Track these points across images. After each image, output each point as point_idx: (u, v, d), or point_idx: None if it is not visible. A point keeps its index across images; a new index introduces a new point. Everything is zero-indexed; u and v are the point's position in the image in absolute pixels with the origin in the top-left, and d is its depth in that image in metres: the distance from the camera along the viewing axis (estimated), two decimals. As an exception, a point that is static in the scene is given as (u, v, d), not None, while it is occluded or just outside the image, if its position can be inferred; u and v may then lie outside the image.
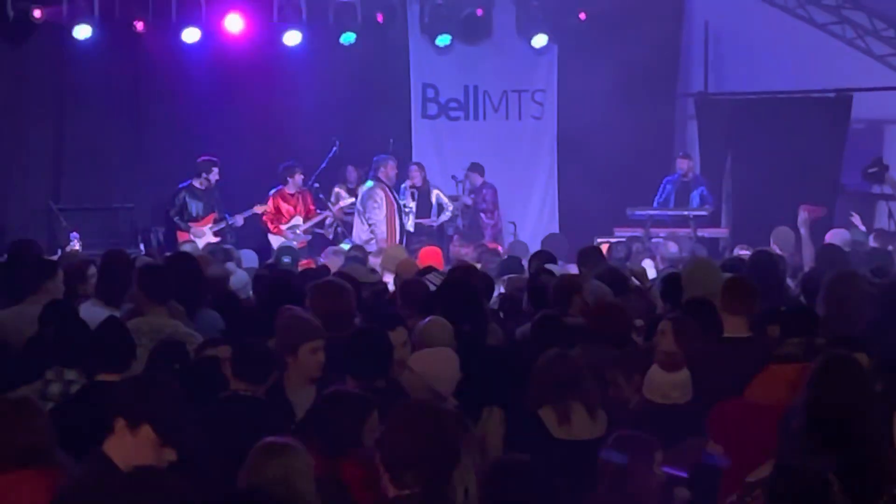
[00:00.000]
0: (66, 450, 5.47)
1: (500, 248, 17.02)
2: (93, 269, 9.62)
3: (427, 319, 7.95)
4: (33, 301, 8.55)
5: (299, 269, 12.94)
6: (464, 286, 8.90)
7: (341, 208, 18.01)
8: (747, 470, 5.51)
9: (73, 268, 9.69)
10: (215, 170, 17.33)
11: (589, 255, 11.06)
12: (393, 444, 4.68)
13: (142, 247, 16.64)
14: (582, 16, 19.72)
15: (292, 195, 17.70)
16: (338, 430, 5.72)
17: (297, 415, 6.63)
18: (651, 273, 13.02)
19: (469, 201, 18.64)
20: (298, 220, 17.69)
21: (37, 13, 16.74)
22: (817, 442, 5.37)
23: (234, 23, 18.02)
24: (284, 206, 17.68)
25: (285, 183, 17.68)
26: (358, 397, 5.95)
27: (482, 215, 18.69)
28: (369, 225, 16.99)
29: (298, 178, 17.67)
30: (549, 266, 10.77)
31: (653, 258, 14.71)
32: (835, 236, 14.32)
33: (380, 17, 18.84)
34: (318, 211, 17.86)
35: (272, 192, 17.71)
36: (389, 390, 6.65)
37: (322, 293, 8.29)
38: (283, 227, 17.58)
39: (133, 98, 18.25)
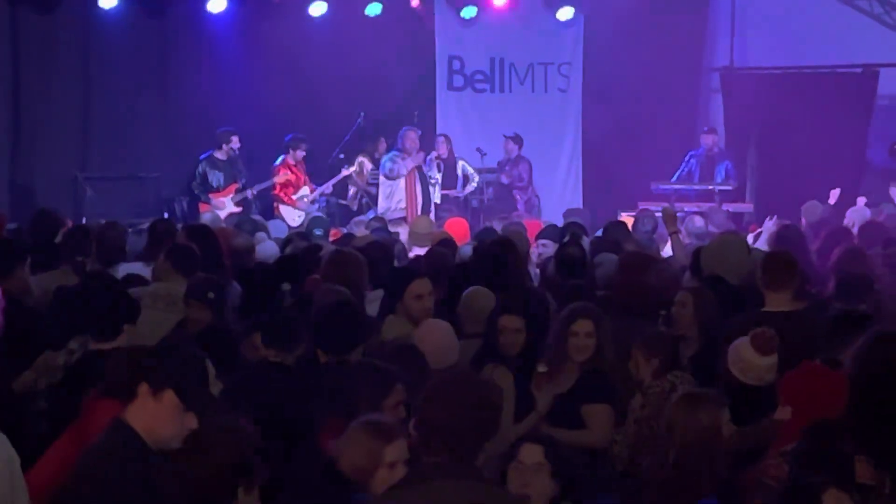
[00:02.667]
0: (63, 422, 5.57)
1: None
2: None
3: (470, 289, 8.03)
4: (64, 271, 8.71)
5: (331, 239, 12.93)
6: (493, 258, 8.94)
7: (365, 178, 18.05)
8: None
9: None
10: (235, 139, 17.33)
11: (615, 230, 11.05)
12: (427, 411, 4.72)
13: (166, 216, 16.69)
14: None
15: (294, 166, 17.69)
16: (355, 400, 5.75)
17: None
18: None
19: (506, 180, 18.60)
20: (305, 190, 17.69)
21: None
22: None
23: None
24: (292, 177, 17.67)
25: (288, 153, 17.65)
26: (382, 371, 5.95)
27: (515, 191, 18.66)
28: (384, 194, 17.13)
29: (300, 153, 17.64)
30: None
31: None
32: (854, 214, 14.28)
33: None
34: (314, 186, 17.82)
35: (278, 162, 17.64)
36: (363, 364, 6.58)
37: (334, 263, 8.37)
38: (294, 197, 17.59)
39: (159, 67, 18.28)
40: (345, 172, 17.86)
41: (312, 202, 17.70)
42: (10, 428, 4.99)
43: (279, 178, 17.46)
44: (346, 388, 5.92)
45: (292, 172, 17.65)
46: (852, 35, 19.75)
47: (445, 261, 9.34)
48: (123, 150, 17.95)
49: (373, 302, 8.33)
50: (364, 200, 17.99)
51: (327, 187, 17.78)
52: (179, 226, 10.97)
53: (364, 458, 4.97)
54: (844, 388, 5.52)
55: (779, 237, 10.60)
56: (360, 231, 13.56)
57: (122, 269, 9.15)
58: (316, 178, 18.01)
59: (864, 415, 5.29)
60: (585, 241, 10.87)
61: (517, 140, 18.81)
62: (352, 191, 18.16)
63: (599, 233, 12.07)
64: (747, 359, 6.70)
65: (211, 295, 7.56)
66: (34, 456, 5.27)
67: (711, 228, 14.38)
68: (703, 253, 9.05)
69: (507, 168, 18.73)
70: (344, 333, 6.81)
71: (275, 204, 17.62)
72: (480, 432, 4.75)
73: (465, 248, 10.91)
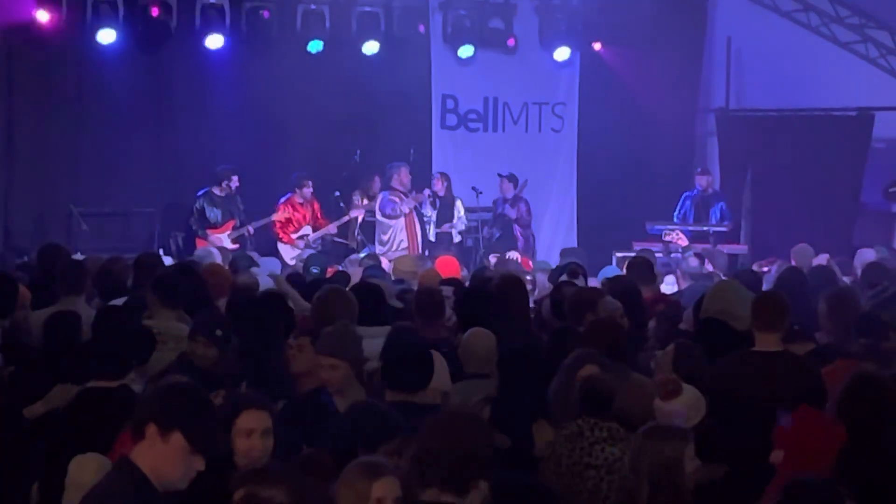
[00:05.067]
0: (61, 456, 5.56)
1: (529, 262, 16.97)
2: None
3: (470, 331, 8.00)
4: (66, 303, 8.67)
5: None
6: (481, 297, 8.92)
7: (358, 216, 18.07)
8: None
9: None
10: (235, 177, 17.37)
11: (639, 268, 10.98)
12: (424, 444, 4.83)
13: (161, 252, 16.65)
14: (597, 45, 19.73)
15: (301, 204, 17.71)
16: (357, 443, 5.70)
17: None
18: (672, 288, 13.02)
19: (513, 215, 18.62)
20: (308, 229, 17.70)
21: (43, 18, 16.78)
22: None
23: (257, 29, 18.00)
24: (295, 215, 17.69)
25: (295, 192, 17.69)
26: (385, 416, 5.92)
27: (516, 227, 18.68)
28: (384, 233, 17.17)
29: (307, 190, 17.67)
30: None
31: (673, 273, 14.66)
32: (860, 255, 14.30)
33: (422, 28, 18.86)
34: (327, 222, 17.85)
35: (282, 200, 17.72)
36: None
37: (323, 303, 8.35)
38: (293, 235, 17.59)
39: (155, 103, 18.27)
40: (353, 214, 17.85)
41: (314, 241, 17.70)
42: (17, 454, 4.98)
43: (277, 216, 17.47)
44: (345, 429, 5.88)
45: (296, 210, 17.68)
46: (848, 78, 19.86)
47: (436, 300, 9.30)
48: (118, 185, 17.90)
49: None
50: (360, 238, 17.97)
51: (332, 228, 17.77)
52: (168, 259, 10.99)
53: (352, 496, 4.93)
54: (838, 433, 5.54)
55: (780, 280, 10.60)
56: (355, 269, 13.52)
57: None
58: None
59: (850, 456, 5.31)
60: (582, 281, 10.85)
61: (512, 179, 18.82)
62: (333, 230, 18.12)
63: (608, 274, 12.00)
64: (658, 409, 6.67)
65: (219, 332, 7.51)
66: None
67: (711, 269, 14.39)
68: (706, 297, 9.02)
69: (509, 203, 18.71)
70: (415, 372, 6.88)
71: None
72: (475, 467, 4.85)
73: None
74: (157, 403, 4.65)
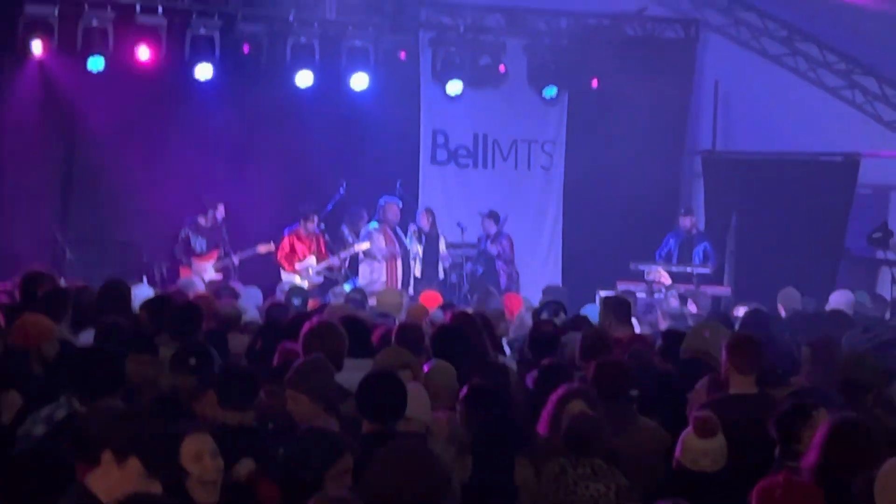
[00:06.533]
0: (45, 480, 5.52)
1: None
2: None
3: (431, 363, 8.01)
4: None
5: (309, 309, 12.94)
6: (457, 332, 8.96)
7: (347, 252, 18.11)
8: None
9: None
10: (221, 207, 17.44)
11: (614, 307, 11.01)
12: (374, 476, 4.80)
13: (145, 280, 16.66)
14: (594, 83, 19.82)
15: (307, 236, 17.78)
16: (301, 470, 5.71)
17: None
18: (648, 329, 13.02)
19: (494, 251, 18.68)
20: (312, 260, 17.75)
21: (38, 48, 16.82)
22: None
23: (246, 60, 18.05)
24: (299, 246, 17.76)
25: (301, 223, 17.76)
26: (331, 438, 5.92)
27: (499, 262, 18.73)
28: (369, 267, 17.26)
29: (312, 224, 17.74)
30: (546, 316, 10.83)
31: (655, 313, 14.69)
32: (838, 297, 14.34)
33: (402, 55, 18.90)
34: (330, 255, 17.90)
35: (287, 231, 17.83)
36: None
37: (313, 335, 8.36)
38: (298, 266, 17.64)
39: (143, 132, 18.22)
40: (356, 248, 17.88)
41: (318, 273, 17.75)
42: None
43: (263, 248, 17.51)
44: (292, 454, 5.88)
45: (300, 241, 17.77)
46: (834, 123, 19.95)
47: (418, 333, 9.33)
48: (104, 214, 17.89)
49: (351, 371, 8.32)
50: (344, 271, 18.00)
51: (335, 260, 17.81)
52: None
53: None
54: (818, 500, 5.55)
55: (743, 324, 10.64)
56: (339, 302, 13.56)
57: (85, 336, 9.08)
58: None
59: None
60: (562, 319, 10.89)
61: (492, 216, 18.89)
62: (336, 263, 18.14)
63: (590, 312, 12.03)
64: (689, 443, 6.70)
65: (192, 361, 7.49)
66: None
67: (694, 310, 14.42)
68: (686, 336, 9.06)
69: (490, 240, 18.77)
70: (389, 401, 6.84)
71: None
72: (426, 500, 4.83)
73: (436, 313, 10.96)
74: (111, 430, 4.66)
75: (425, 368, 8.05)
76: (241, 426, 6.51)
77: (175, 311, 9.29)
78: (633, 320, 13.14)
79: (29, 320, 8.23)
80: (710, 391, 7.69)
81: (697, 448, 6.66)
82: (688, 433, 6.74)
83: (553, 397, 7.29)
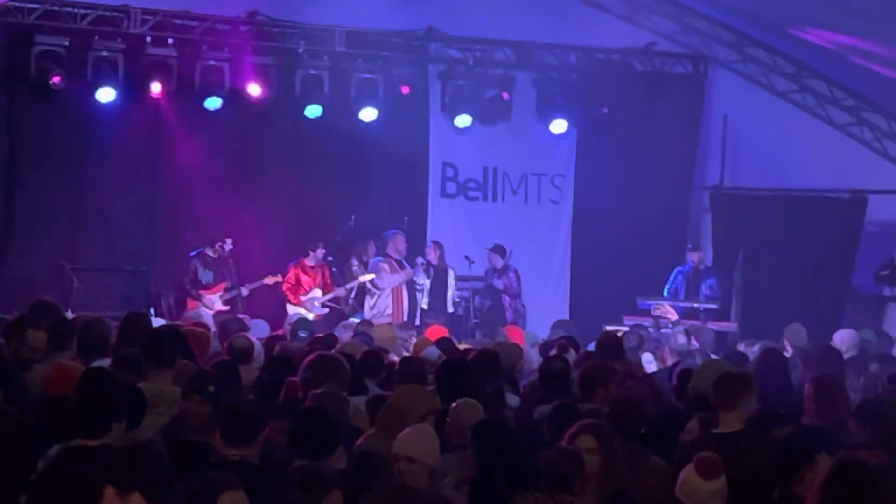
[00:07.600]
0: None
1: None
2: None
3: (460, 401, 7.95)
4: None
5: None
6: (460, 366, 8.95)
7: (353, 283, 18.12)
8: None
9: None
10: (229, 240, 17.47)
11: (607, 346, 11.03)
12: None
13: (152, 311, 16.67)
14: (603, 117, 19.85)
15: (312, 267, 17.82)
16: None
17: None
18: (651, 367, 12.99)
19: (500, 286, 18.67)
20: (317, 292, 17.79)
21: (56, 79, 16.89)
22: None
23: (255, 90, 18.12)
24: (304, 278, 17.79)
25: (306, 255, 17.79)
26: (319, 475, 5.90)
27: (505, 297, 18.71)
28: (371, 298, 17.30)
29: (320, 252, 17.80)
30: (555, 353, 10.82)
31: (662, 350, 14.66)
32: (843, 336, 14.31)
33: (405, 89, 18.94)
34: (335, 287, 17.92)
35: (293, 263, 17.83)
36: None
37: (314, 367, 8.37)
38: (303, 298, 17.66)
39: (152, 162, 18.32)
40: (361, 279, 17.90)
41: (322, 304, 17.77)
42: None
43: (270, 280, 17.55)
44: (282, 492, 5.86)
45: (306, 273, 17.79)
46: (842, 160, 19.93)
47: (420, 367, 9.35)
48: (112, 243, 17.94)
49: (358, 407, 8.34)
50: (351, 303, 18.02)
51: (341, 292, 17.84)
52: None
53: None
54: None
55: (759, 361, 10.62)
56: (347, 335, 13.55)
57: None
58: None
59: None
60: (572, 355, 10.87)
61: (498, 250, 18.87)
62: (342, 294, 18.16)
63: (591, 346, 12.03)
64: (691, 483, 6.63)
65: (211, 388, 7.44)
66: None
67: (696, 345, 14.39)
68: (695, 374, 9.04)
69: (496, 274, 18.76)
70: (320, 437, 6.80)
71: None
72: None
73: (431, 350, 10.96)
74: (114, 465, 4.67)
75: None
76: (242, 461, 6.48)
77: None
78: (648, 355, 13.22)
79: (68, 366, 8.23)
80: (702, 429, 7.67)
81: (702, 489, 6.64)
82: (691, 473, 6.70)
83: (567, 434, 7.28)
